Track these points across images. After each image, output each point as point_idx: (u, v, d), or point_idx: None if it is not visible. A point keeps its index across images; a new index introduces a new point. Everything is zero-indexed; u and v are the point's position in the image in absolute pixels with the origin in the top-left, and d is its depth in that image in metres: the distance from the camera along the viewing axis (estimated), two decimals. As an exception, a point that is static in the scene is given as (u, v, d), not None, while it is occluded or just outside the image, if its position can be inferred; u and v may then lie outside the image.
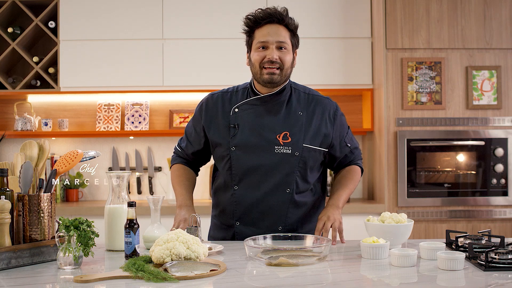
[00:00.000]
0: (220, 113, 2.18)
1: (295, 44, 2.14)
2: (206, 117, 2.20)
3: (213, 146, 2.20)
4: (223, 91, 2.24)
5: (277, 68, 2.07)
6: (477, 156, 3.67)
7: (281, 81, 2.11)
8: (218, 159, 2.20)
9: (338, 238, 2.08)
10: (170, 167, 2.35)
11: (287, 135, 2.10)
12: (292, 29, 2.12)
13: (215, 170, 2.27)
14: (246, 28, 2.13)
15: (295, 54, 2.16)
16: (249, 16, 2.11)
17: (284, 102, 2.15)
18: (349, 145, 2.24)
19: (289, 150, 2.09)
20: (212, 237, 2.27)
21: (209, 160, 2.33)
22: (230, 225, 2.18)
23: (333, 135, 2.18)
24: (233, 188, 2.14)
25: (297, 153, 2.10)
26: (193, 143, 2.26)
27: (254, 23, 2.10)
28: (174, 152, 2.36)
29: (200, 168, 2.38)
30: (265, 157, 2.09)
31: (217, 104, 2.20)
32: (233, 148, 2.12)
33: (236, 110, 2.15)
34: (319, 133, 2.14)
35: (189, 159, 2.31)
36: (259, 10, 2.10)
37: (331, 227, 2.07)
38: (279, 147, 2.09)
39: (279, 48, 2.08)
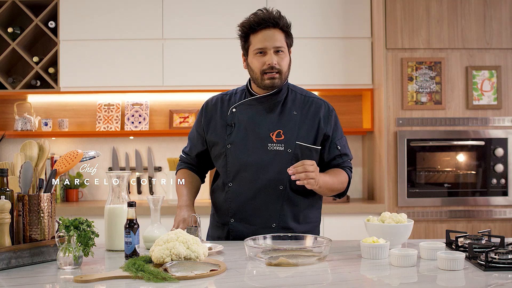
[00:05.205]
0: (219, 114, 2.22)
1: (290, 44, 2.17)
2: (206, 118, 2.25)
3: (210, 146, 2.24)
4: (222, 93, 2.30)
5: (277, 73, 2.10)
6: (477, 156, 3.67)
7: (281, 84, 2.15)
8: (216, 158, 2.23)
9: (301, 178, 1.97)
10: (176, 173, 2.35)
11: (281, 133, 2.13)
12: (286, 30, 2.13)
13: (216, 173, 2.28)
14: (241, 34, 2.15)
15: (289, 53, 2.18)
16: (243, 24, 2.13)
17: (280, 102, 2.18)
18: (339, 147, 2.20)
19: (281, 147, 2.12)
20: (210, 236, 2.29)
21: (214, 166, 2.33)
22: (225, 223, 2.20)
23: (326, 132, 2.17)
24: (228, 185, 2.16)
25: (289, 150, 2.11)
26: (196, 144, 2.29)
27: (249, 29, 2.12)
28: (179, 160, 2.38)
29: (206, 175, 2.39)
30: (258, 154, 2.12)
31: (216, 106, 2.25)
32: (228, 146, 2.16)
33: (234, 110, 2.20)
34: (313, 131, 2.16)
35: (193, 163, 2.33)
36: (252, 16, 2.12)
37: (303, 171, 1.96)
38: (272, 145, 2.12)
39: (276, 51, 2.10)
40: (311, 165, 1.97)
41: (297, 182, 1.98)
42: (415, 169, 3.64)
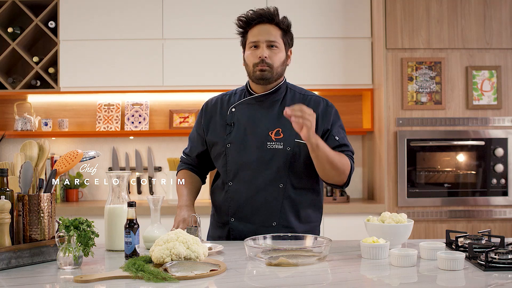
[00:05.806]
0: (218, 114, 2.23)
1: (287, 43, 2.17)
2: (205, 118, 2.26)
3: (210, 146, 2.25)
4: (222, 94, 2.31)
5: (268, 66, 2.11)
6: (477, 156, 3.67)
7: (273, 78, 2.14)
8: (215, 158, 2.23)
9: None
10: (176, 174, 2.35)
11: (280, 132, 2.14)
12: (284, 28, 2.15)
13: (216, 173, 2.29)
14: (239, 29, 2.18)
15: (289, 53, 2.19)
16: (240, 18, 2.17)
17: (279, 101, 2.19)
18: (337, 138, 2.15)
19: (280, 145, 2.12)
20: (210, 236, 2.29)
21: (214, 166, 2.32)
22: (225, 222, 2.20)
23: (324, 128, 2.15)
24: (228, 184, 2.16)
25: (288, 148, 2.11)
26: (196, 145, 2.30)
27: (245, 24, 2.16)
28: (180, 161, 2.39)
29: (206, 176, 2.39)
30: (257, 153, 2.13)
31: (216, 106, 2.26)
32: (228, 145, 2.16)
33: (233, 109, 2.21)
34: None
35: (194, 164, 2.33)
36: (250, 11, 2.15)
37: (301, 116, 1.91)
38: (271, 143, 2.13)
39: (270, 46, 2.11)
40: (308, 110, 1.91)
41: (294, 125, 1.91)
42: (415, 169, 3.64)
